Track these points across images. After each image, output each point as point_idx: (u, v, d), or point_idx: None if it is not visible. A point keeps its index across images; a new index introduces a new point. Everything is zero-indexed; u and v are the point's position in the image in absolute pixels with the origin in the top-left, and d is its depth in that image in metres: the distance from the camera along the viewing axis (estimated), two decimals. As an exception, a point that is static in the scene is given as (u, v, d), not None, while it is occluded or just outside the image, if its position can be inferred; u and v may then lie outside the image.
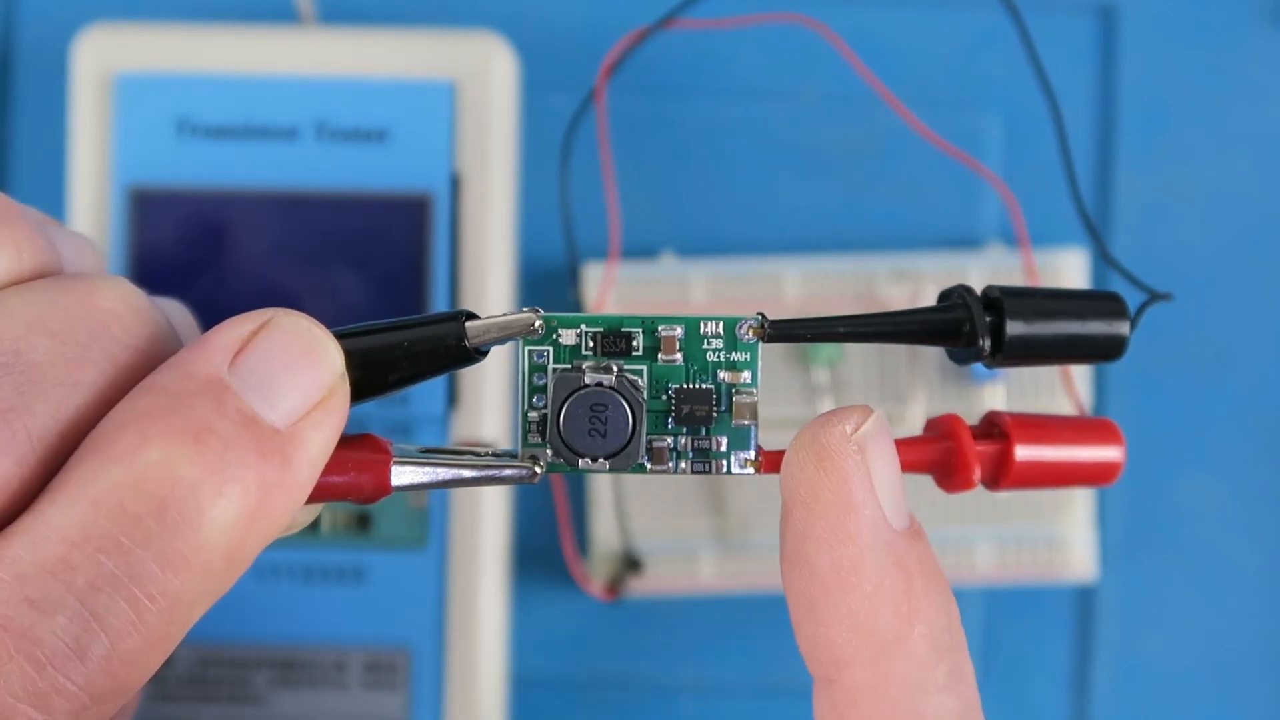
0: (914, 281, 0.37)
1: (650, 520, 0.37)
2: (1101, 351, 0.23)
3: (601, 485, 0.37)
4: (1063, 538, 0.37)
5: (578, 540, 0.37)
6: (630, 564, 0.37)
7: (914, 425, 0.37)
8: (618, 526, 0.37)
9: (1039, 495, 0.37)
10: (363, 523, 0.35)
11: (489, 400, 0.35)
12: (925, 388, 0.37)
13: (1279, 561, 0.39)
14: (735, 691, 0.38)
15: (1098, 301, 0.23)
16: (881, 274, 0.37)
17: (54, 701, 0.18)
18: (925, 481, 0.37)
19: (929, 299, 0.37)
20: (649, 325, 0.22)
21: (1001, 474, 0.23)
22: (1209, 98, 0.39)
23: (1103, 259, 0.30)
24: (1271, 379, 0.39)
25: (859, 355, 0.37)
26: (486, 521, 0.35)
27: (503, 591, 0.35)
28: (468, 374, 0.35)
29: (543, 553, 0.38)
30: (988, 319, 0.23)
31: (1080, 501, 0.37)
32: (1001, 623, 0.39)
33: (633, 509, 0.37)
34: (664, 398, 0.22)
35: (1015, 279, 0.37)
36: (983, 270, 0.37)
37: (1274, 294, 0.39)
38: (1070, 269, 0.37)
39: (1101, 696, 0.39)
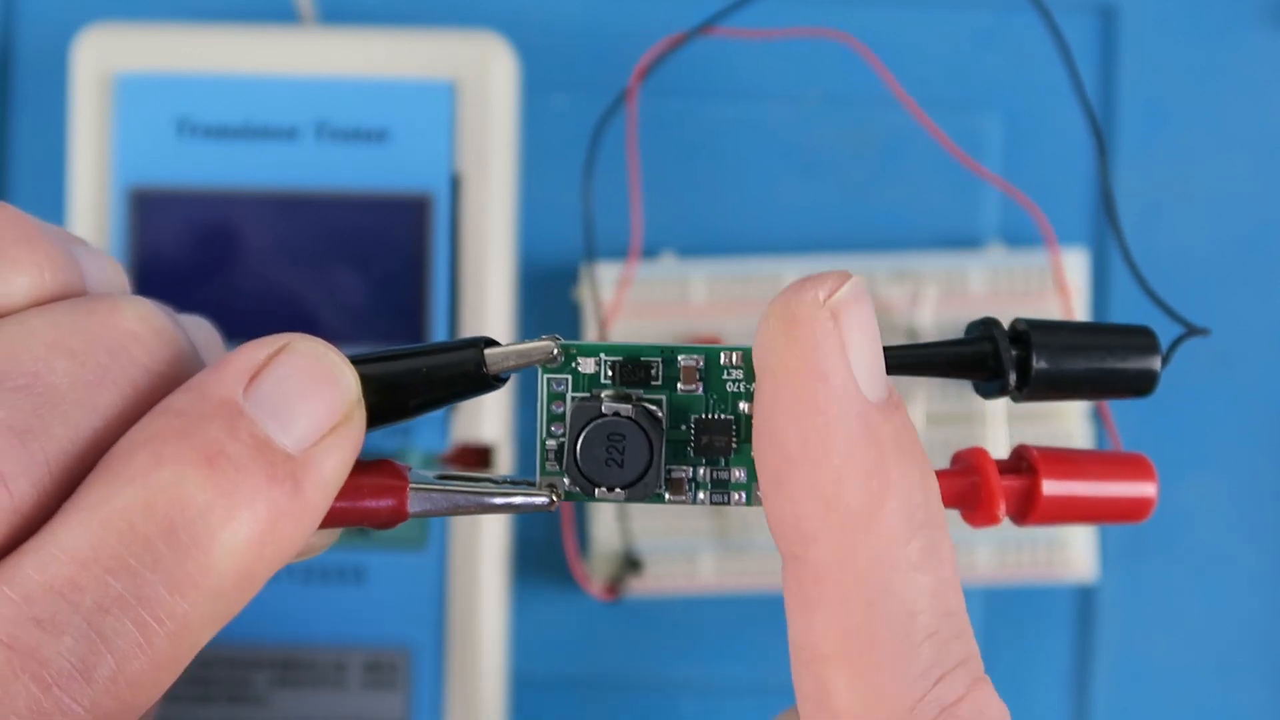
0: (914, 281, 0.37)
1: (650, 520, 0.37)
2: (1131, 387, 0.23)
3: (602, 485, 0.37)
4: (1063, 538, 0.37)
5: (578, 540, 0.37)
6: (630, 564, 0.37)
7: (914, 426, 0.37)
8: (618, 526, 0.37)
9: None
10: (363, 523, 0.35)
11: (489, 402, 0.35)
12: (925, 388, 0.37)
13: (1278, 561, 0.39)
14: (735, 691, 0.38)
15: (1127, 336, 0.23)
16: (881, 274, 0.37)
17: None
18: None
19: (929, 299, 0.37)
20: (669, 355, 0.22)
21: (1029, 509, 0.23)
22: (1209, 98, 0.39)
23: (1130, 271, 0.29)
24: (1271, 379, 0.39)
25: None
26: (486, 522, 0.35)
27: (503, 591, 0.35)
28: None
29: (543, 553, 0.38)
30: (1014, 353, 0.22)
31: (1080, 501, 0.37)
32: (1001, 623, 0.39)
33: (633, 509, 0.37)
34: (683, 428, 0.22)
35: (1017, 279, 0.37)
36: (983, 270, 0.37)
37: (1274, 294, 0.39)
38: (1072, 269, 0.37)
39: (1101, 696, 0.39)
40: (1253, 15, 0.39)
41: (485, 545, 0.35)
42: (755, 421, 0.21)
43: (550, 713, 0.38)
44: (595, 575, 0.37)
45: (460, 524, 0.35)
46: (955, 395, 0.37)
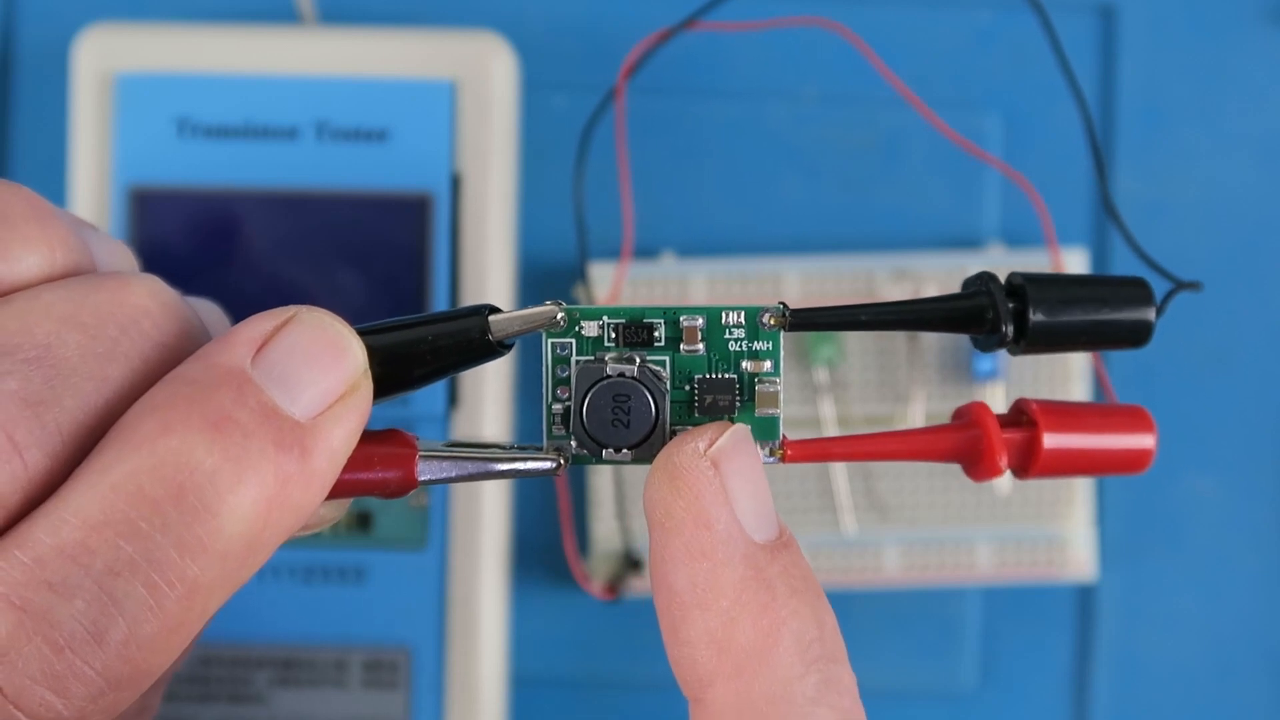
0: (914, 281, 0.37)
1: (650, 520, 0.37)
2: (1127, 338, 0.23)
3: (602, 484, 0.37)
4: (1063, 537, 0.37)
5: (578, 539, 0.37)
6: (630, 563, 0.37)
7: (914, 424, 0.37)
8: (618, 525, 0.37)
9: (1039, 495, 0.37)
10: (363, 523, 0.35)
11: (489, 400, 0.35)
12: (925, 387, 0.37)
13: (1278, 561, 0.39)
14: (735, 691, 0.38)
15: (1122, 287, 0.23)
16: (881, 274, 0.37)
17: (71, 685, 0.18)
18: (928, 478, 0.37)
19: (929, 299, 0.37)
20: (671, 316, 0.22)
21: (1030, 462, 0.23)
22: (1209, 97, 0.39)
23: (1134, 252, 0.29)
24: (1271, 379, 0.39)
25: (858, 355, 0.37)
26: (486, 521, 0.35)
27: (503, 591, 0.35)
28: (468, 374, 0.35)
29: (543, 552, 0.38)
30: (1011, 306, 0.23)
31: (1080, 501, 0.37)
32: (1001, 623, 0.39)
33: (633, 508, 0.37)
34: (687, 388, 0.22)
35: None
36: (983, 270, 0.37)
37: (1274, 294, 0.39)
38: (1072, 269, 0.37)
39: (1101, 696, 0.39)
40: (1253, 15, 0.39)
41: (485, 545, 0.35)
42: (650, 573, 0.22)
43: (550, 713, 0.38)
44: (595, 575, 0.37)
45: (460, 524, 0.35)
46: (955, 394, 0.37)
